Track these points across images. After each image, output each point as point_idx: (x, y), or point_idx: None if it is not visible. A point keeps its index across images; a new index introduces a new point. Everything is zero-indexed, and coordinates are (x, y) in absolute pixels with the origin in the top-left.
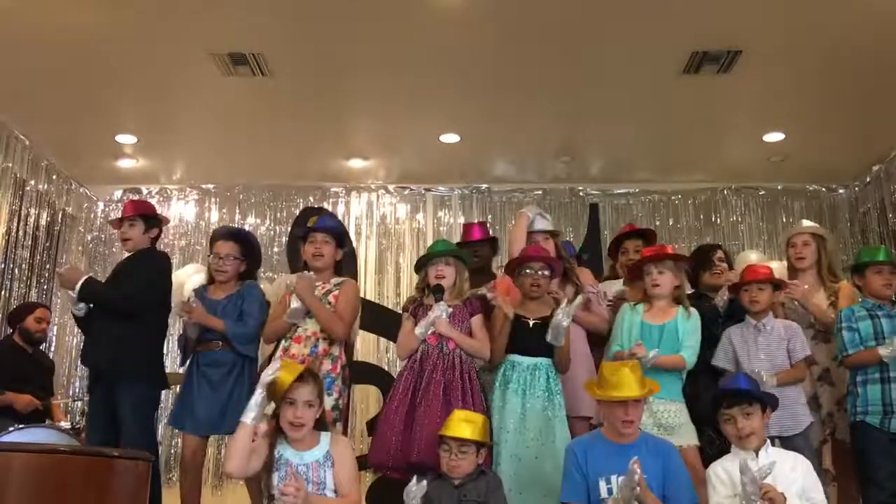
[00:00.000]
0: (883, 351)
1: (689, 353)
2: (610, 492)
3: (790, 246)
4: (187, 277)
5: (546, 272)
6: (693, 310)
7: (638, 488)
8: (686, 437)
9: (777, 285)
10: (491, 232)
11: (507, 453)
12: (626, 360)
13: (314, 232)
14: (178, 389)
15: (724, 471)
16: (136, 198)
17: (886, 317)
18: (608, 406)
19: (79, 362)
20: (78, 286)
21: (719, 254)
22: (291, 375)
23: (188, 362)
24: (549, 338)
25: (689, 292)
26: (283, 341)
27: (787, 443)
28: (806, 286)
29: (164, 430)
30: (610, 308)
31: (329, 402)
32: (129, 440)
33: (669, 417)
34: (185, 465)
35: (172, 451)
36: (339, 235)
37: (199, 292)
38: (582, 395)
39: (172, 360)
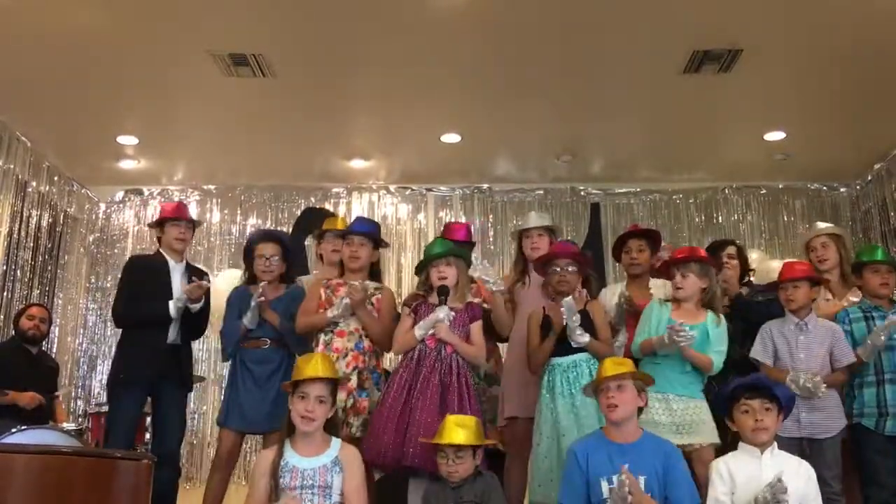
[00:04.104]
0: (860, 350)
1: (717, 358)
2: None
3: (810, 250)
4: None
5: (573, 268)
6: (722, 316)
7: (630, 497)
8: (705, 434)
9: (817, 282)
10: (491, 232)
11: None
12: (655, 347)
13: (352, 234)
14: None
15: (725, 467)
16: (137, 199)
17: (881, 318)
18: (601, 399)
19: (118, 362)
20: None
21: (729, 250)
22: (311, 370)
23: (231, 360)
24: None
25: None
26: (323, 335)
27: (816, 445)
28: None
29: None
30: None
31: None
32: (175, 440)
33: (689, 414)
34: (220, 462)
35: None
36: (376, 238)
37: (243, 290)
38: (514, 394)
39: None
